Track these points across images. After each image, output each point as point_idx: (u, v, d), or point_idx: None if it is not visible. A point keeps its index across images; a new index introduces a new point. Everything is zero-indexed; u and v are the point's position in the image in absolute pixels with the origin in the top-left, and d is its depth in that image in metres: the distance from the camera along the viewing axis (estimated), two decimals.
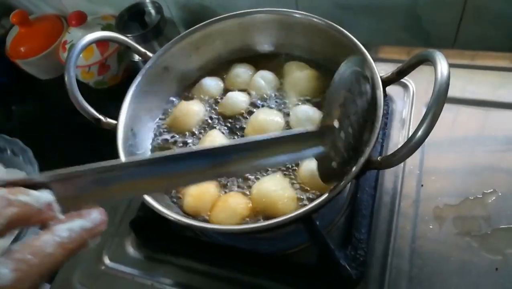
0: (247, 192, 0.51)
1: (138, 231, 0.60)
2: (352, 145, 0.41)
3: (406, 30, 0.74)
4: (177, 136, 0.58)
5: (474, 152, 0.57)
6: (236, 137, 0.56)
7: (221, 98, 0.60)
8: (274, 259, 0.55)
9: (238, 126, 0.57)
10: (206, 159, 0.33)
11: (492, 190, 0.53)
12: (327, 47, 0.56)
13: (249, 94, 0.59)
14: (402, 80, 0.51)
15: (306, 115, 0.53)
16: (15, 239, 0.58)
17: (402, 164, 0.58)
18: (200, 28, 0.60)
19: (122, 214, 0.63)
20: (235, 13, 0.59)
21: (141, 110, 0.56)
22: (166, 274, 0.57)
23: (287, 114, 0.56)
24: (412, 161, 0.57)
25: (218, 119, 0.58)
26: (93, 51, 0.82)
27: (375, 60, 0.48)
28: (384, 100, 0.44)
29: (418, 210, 0.54)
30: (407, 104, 0.64)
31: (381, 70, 0.47)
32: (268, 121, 0.54)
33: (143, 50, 0.59)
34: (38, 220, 0.25)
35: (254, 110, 0.57)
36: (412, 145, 0.36)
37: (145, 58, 0.58)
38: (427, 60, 0.40)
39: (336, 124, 0.39)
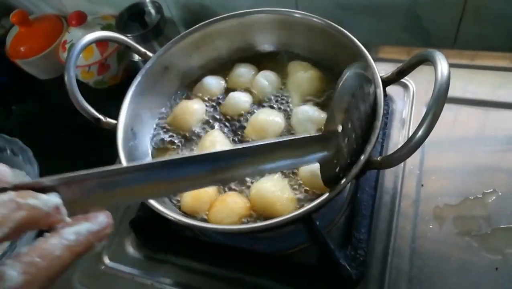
0: (246, 192, 0.51)
1: (138, 231, 0.60)
2: (355, 149, 0.41)
3: (406, 30, 0.74)
4: (178, 136, 0.58)
5: (474, 152, 0.57)
6: (236, 137, 0.56)
7: (223, 98, 0.60)
8: (274, 259, 0.55)
9: (239, 126, 0.57)
10: (208, 164, 0.33)
11: (492, 190, 0.53)
12: (327, 47, 0.56)
13: (251, 94, 0.59)
14: (402, 80, 0.51)
15: (307, 116, 0.53)
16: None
17: (402, 164, 0.58)
18: (200, 28, 0.60)
19: (122, 214, 0.63)
20: (235, 13, 0.59)
21: (141, 109, 0.56)
22: (166, 274, 0.57)
23: (289, 115, 0.56)
24: (412, 161, 0.57)
25: (219, 118, 0.58)
26: (93, 51, 0.82)
27: (375, 60, 0.48)
28: (384, 100, 0.44)
29: (418, 210, 0.54)
30: (407, 104, 0.64)
31: (381, 70, 0.47)
32: (268, 121, 0.54)
33: (143, 50, 0.59)
34: (46, 224, 0.25)
35: (256, 110, 0.57)
36: (412, 145, 0.36)
37: (145, 58, 0.58)
38: (427, 60, 0.40)
39: (339, 129, 0.39)
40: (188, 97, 0.62)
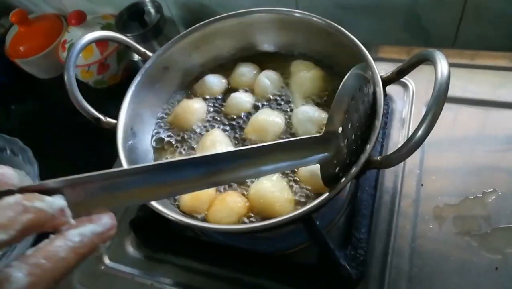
0: (245, 191, 0.51)
1: (138, 231, 0.60)
2: (354, 149, 0.41)
3: (406, 29, 0.74)
4: (178, 135, 0.58)
5: (474, 151, 0.57)
6: (236, 136, 0.56)
7: (223, 97, 0.60)
8: (274, 259, 0.55)
9: (239, 126, 0.56)
10: (207, 166, 0.32)
11: (492, 189, 0.53)
12: (327, 46, 0.56)
13: (253, 93, 0.59)
14: (402, 79, 0.51)
15: (307, 116, 0.53)
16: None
17: (402, 164, 0.58)
18: (200, 27, 0.60)
19: (122, 214, 0.63)
20: (234, 12, 0.59)
21: (141, 109, 0.56)
22: (166, 274, 0.57)
23: (290, 115, 0.56)
24: (412, 160, 0.58)
25: (220, 118, 0.58)
26: (92, 50, 0.82)
27: (375, 59, 0.48)
28: (384, 100, 0.44)
29: (418, 209, 0.54)
30: (407, 104, 0.64)
31: (381, 70, 0.47)
32: (268, 122, 0.54)
33: (142, 49, 0.59)
34: (51, 226, 0.25)
35: (258, 110, 0.57)
36: (412, 145, 0.36)
37: (145, 58, 0.58)
38: (427, 60, 0.40)
39: (339, 130, 0.39)
40: (189, 96, 0.62)
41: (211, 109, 0.59)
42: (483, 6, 0.64)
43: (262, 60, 0.62)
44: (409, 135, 0.37)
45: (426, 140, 0.36)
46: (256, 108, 0.58)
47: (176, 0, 0.85)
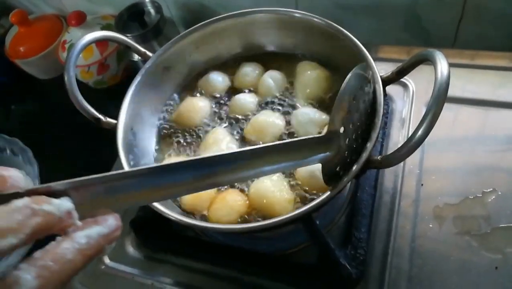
0: (245, 189, 0.51)
1: (138, 231, 0.60)
2: (355, 148, 0.41)
3: (406, 30, 0.74)
4: (180, 134, 0.58)
5: (474, 151, 0.57)
6: (237, 135, 0.56)
7: (225, 96, 0.60)
8: (274, 259, 0.55)
9: (241, 125, 0.57)
10: (209, 168, 0.32)
11: (492, 189, 0.53)
12: (327, 47, 0.56)
13: (257, 93, 0.59)
14: (402, 79, 0.51)
15: (308, 118, 0.53)
16: None
17: (402, 164, 0.58)
18: (200, 27, 0.60)
19: (122, 214, 0.63)
20: (234, 12, 0.59)
21: (141, 109, 0.56)
22: (166, 274, 0.57)
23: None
24: (412, 160, 0.58)
25: (224, 117, 0.58)
26: (92, 50, 0.82)
27: (375, 59, 0.48)
28: (384, 100, 0.44)
29: (418, 209, 0.54)
30: (407, 104, 0.64)
31: (381, 70, 0.47)
32: (268, 123, 0.54)
33: (142, 49, 0.59)
34: (59, 228, 0.25)
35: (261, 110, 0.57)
36: (412, 145, 0.36)
37: (145, 58, 0.58)
38: (427, 60, 0.40)
39: (341, 130, 0.39)
40: (193, 94, 0.62)
41: (215, 108, 0.59)
42: (483, 6, 0.65)
43: (266, 60, 0.62)
44: (409, 135, 0.37)
45: (426, 140, 0.36)
46: (260, 108, 0.58)
47: (176, 0, 0.85)
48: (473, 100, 0.61)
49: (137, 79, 0.56)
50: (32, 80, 0.98)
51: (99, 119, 0.52)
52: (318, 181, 0.44)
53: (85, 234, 0.25)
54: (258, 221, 0.48)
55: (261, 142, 0.54)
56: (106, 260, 0.60)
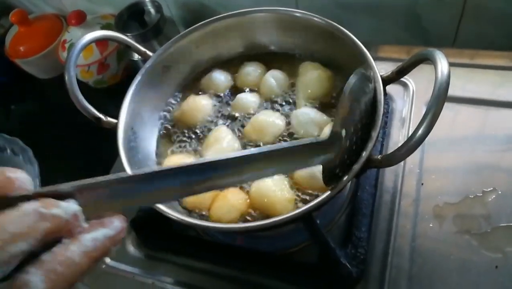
0: (246, 187, 0.51)
1: (139, 230, 0.60)
2: (355, 149, 0.41)
3: (406, 29, 0.74)
4: (179, 134, 0.58)
5: (474, 151, 0.57)
6: (239, 134, 0.56)
7: (227, 94, 0.60)
8: (275, 258, 0.55)
9: (243, 124, 0.57)
10: (215, 170, 0.32)
11: (492, 188, 0.53)
12: (328, 46, 0.56)
13: (259, 93, 0.59)
14: (402, 79, 0.51)
15: (308, 118, 0.53)
16: None
17: (402, 163, 0.58)
18: (200, 27, 0.60)
19: (123, 213, 0.63)
20: (235, 12, 0.59)
21: (142, 108, 0.56)
22: (166, 273, 0.57)
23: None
24: (412, 159, 0.58)
25: (226, 115, 0.58)
26: (92, 50, 0.82)
27: (375, 59, 0.48)
28: (384, 99, 0.44)
29: (418, 208, 0.54)
30: (407, 103, 0.64)
31: (381, 69, 0.47)
32: (268, 122, 0.54)
33: (143, 49, 0.59)
34: (66, 231, 0.25)
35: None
36: (412, 144, 0.36)
37: (145, 57, 0.58)
38: (427, 59, 0.40)
39: (343, 133, 0.39)
40: (194, 93, 0.62)
41: (217, 106, 0.60)
42: (483, 5, 0.65)
43: (268, 60, 0.62)
44: (409, 134, 0.37)
45: (426, 139, 0.36)
46: (262, 108, 0.58)
47: None
48: (473, 99, 0.61)
49: (138, 78, 0.56)
50: (32, 79, 0.98)
51: (99, 118, 0.52)
52: (318, 181, 0.44)
53: (92, 237, 0.25)
54: (259, 220, 0.48)
55: (261, 142, 0.54)
56: (107, 259, 0.60)
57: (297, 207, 0.43)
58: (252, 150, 0.33)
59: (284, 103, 0.58)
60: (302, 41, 0.59)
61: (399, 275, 0.50)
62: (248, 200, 0.50)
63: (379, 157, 0.41)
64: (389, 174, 0.58)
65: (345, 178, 0.41)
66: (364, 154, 0.41)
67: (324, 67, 0.58)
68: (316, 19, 0.55)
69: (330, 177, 0.42)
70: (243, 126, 0.57)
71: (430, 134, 0.36)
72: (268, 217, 0.46)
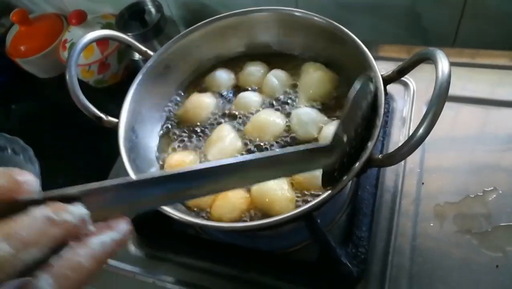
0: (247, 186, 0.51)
1: (139, 230, 0.60)
2: (354, 150, 0.42)
3: (406, 28, 0.74)
4: (180, 133, 0.58)
5: (474, 150, 0.57)
6: (241, 132, 0.56)
7: (229, 93, 0.61)
8: (275, 257, 0.55)
9: (245, 123, 0.57)
10: (216, 175, 0.32)
11: (492, 188, 0.53)
12: (329, 46, 0.56)
13: (261, 92, 0.59)
14: (402, 78, 0.51)
15: (308, 118, 0.53)
16: None
17: (402, 162, 0.58)
18: (200, 26, 0.60)
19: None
20: (235, 11, 0.59)
21: (142, 108, 0.56)
22: (167, 272, 0.57)
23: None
24: (412, 159, 0.58)
25: (228, 114, 0.58)
26: (93, 50, 0.82)
27: (375, 58, 0.48)
28: (385, 99, 0.44)
29: (418, 208, 0.54)
30: (407, 103, 0.64)
31: (382, 69, 0.47)
32: (268, 121, 0.54)
33: (144, 48, 0.59)
34: (75, 236, 0.25)
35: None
36: (413, 143, 0.37)
37: (146, 57, 0.58)
38: (428, 59, 0.40)
39: (345, 138, 0.39)
40: (200, 90, 0.62)
41: (220, 105, 0.60)
42: (483, 5, 0.65)
43: (271, 60, 0.62)
44: (410, 134, 0.37)
45: (426, 138, 0.36)
46: (264, 107, 0.58)
47: None
48: (473, 99, 0.61)
49: (139, 77, 0.56)
50: (33, 79, 0.98)
51: (100, 117, 0.52)
52: (319, 181, 0.44)
53: (100, 241, 0.25)
54: (260, 219, 0.48)
55: (261, 141, 0.54)
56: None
57: (298, 207, 0.43)
58: (256, 155, 0.33)
59: (285, 103, 0.58)
60: (303, 40, 0.59)
61: (400, 274, 0.50)
62: (249, 199, 0.50)
63: (380, 156, 0.41)
64: (389, 173, 0.58)
65: (346, 177, 0.41)
66: (365, 154, 0.41)
67: (326, 68, 0.58)
68: (316, 18, 0.55)
69: (329, 179, 0.42)
70: (244, 124, 0.57)
71: (430, 133, 0.36)
72: (268, 216, 0.47)
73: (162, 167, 0.56)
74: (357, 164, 0.41)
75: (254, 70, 0.61)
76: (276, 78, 0.59)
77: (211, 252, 0.56)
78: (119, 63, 0.87)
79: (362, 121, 0.42)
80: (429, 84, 0.63)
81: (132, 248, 0.61)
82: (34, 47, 0.90)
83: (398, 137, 0.61)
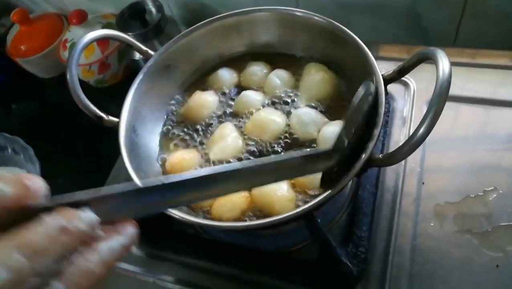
0: None
1: (140, 229, 0.60)
2: (354, 151, 0.42)
3: (407, 28, 0.74)
4: (181, 131, 0.58)
5: (474, 150, 0.57)
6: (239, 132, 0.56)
7: (234, 92, 0.61)
8: (275, 256, 0.55)
9: (246, 121, 0.57)
10: (216, 182, 0.33)
11: (492, 187, 0.53)
12: (329, 45, 0.56)
13: (263, 92, 0.59)
14: (403, 78, 0.51)
15: (307, 118, 0.53)
16: None
17: (403, 162, 0.58)
18: (200, 26, 0.60)
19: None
20: (235, 11, 0.59)
21: (143, 107, 0.56)
22: (167, 272, 0.57)
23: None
24: (413, 159, 0.58)
25: (230, 112, 0.58)
26: (93, 49, 0.82)
27: (375, 58, 0.48)
28: (385, 98, 0.44)
29: (419, 208, 0.54)
30: (408, 103, 0.64)
31: (382, 69, 0.47)
32: (268, 120, 0.54)
33: (144, 48, 0.59)
34: (84, 242, 0.25)
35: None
36: (413, 143, 0.37)
37: (147, 56, 0.58)
38: (429, 58, 0.40)
39: (346, 143, 0.39)
40: (203, 88, 0.62)
41: (222, 103, 0.60)
42: (483, 4, 0.65)
43: (273, 60, 0.62)
44: (410, 133, 0.37)
45: (427, 138, 0.36)
46: (265, 106, 0.58)
47: None
48: (473, 98, 0.61)
49: (139, 77, 0.56)
50: (33, 79, 0.98)
51: (101, 117, 0.52)
52: (319, 181, 0.44)
53: (108, 246, 0.25)
54: (260, 218, 0.48)
55: (261, 141, 0.54)
56: None
57: (298, 206, 0.43)
58: (258, 161, 0.34)
59: (286, 103, 0.58)
60: (303, 40, 0.59)
61: (400, 274, 0.50)
62: (249, 199, 0.50)
63: (380, 156, 0.41)
64: (390, 173, 0.58)
65: (346, 177, 0.41)
66: (365, 153, 0.41)
67: (328, 69, 0.58)
68: (316, 18, 0.55)
69: (327, 180, 0.42)
70: (244, 123, 0.57)
71: (431, 133, 0.36)
72: (268, 215, 0.47)
73: (163, 166, 0.56)
74: (357, 164, 0.41)
75: (256, 69, 0.61)
76: (279, 78, 0.59)
77: (211, 251, 0.56)
78: (119, 63, 0.87)
79: (363, 121, 0.42)
80: (429, 84, 0.63)
81: (133, 248, 0.61)
82: (34, 47, 0.90)
83: (398, 136, 0.61)
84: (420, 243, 0.51)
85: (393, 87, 0.65)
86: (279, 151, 0.53)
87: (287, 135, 0.54)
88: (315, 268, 0.51)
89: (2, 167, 0.77)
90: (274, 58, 0.62)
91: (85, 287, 0.24)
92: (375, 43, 0.71)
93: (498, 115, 0.59)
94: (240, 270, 0.55)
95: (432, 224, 0.52)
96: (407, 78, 0.65)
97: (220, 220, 0.48)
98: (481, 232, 0.50)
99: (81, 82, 0.54)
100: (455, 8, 0.67)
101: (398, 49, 0.71)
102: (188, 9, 0.87)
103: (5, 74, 1.00)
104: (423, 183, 0.56)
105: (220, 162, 0.54)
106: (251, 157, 0.53)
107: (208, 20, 0.60)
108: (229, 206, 0.48)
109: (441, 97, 0.36)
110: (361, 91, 0.40)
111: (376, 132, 0.42)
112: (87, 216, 0.25)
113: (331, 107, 0.56)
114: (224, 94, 0.61)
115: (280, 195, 0.48)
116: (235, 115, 0.58)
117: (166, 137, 0.59)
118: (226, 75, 0.62)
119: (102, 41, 0.83)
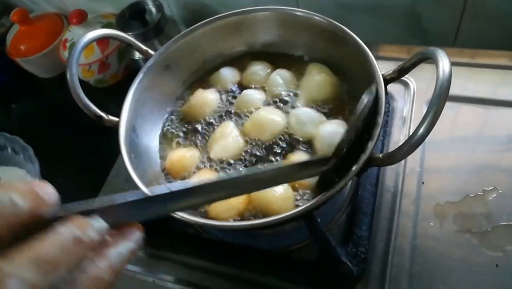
0: None
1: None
2: (354, 152, 0.42)
3: (406, 29, 0.74)
4: (181, 130, 0.58)
5: (474, 150, 0.57)
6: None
7: (235, 91, 0.61)
8: (275, 256, 0.55)
9: (246, 120, 0.57)
10: (217, 191, 0.33)
11: (492, 187, 0.53)
12: (329, 46, 0.56)
13: (265, 91, 0.60)
14: (403, 78, 0.51)
15: (306, 117, 0.53)
16: None
17: (403, 162, 0.58)
18: (200, 26, 0.60)
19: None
20: (235, 11, 0.60)
21: (143, 107, 0.56)
22: (167, 271, 0.57)
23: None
24: (413, 158, 0.58)
25: (231, 111, 0.58)
26: (93, 49, 0.82)
27: (375, 58, 0.48)
28: (385, 98, 0.44)
29: (419, 207, 0.54)
30: (408, 102, 0.64)
31: (382, 69, 0.47)
32: (268, 119, 0.54)
33: (144, 47, 0.59)
34: (94, 249, 0.25)
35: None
36: (414, 142, 0.37)
37: (147, 56, 0.59)
38: (429, 58, 0.40)
39: (345, 149, 0.40)
40: (205, 87, 0.62)
41: (224, 102, 0.60)
42: (483, 5, 0.65)
43: (275, 60, 0.62)
44: (410, 133, 0.37)
45: (427, 138, 0.36)
46: (266, 105, 0.58)
47: None
48: (473, 98, 0.62)
49: (139, 76, 0.56)
50: (33, 78, 0.98)
51: (101, 117, 0.52)
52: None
53: (117, 252, 0.25)
54: (258, 218, 0.48)
55: (260, 140, 0.54)
56: None
57: (298, 206, 0.43)
58: (257, 170, 0.35)
59: (286, 102, 0.58)
60: (303, 40, 0.59)
61: (400, 274, 0.50)
62: (247, 199, 0.49)
63: (380, 155, 0.41)
64: (390, 173, 0.58)
65: (346, 177, 0.41)
66: (365, 153, 0.41)
67: (330, 70, 0.58)
68: (317, 18, 0.55)
69: (325, 183, 0.42)
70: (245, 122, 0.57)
71: (431, 133, 0.36)
72: (266, 215, 0.47)
73: (163, 165, 0.56)
74: (357, 164, 0.41)
75: (258, 69, 0.61)
76: (281, 77, 0.59)
77: (211, 251, 0.56)
78: (119, 63, 0.87)
79: (363, 123, 0.42)
80: (429, 84, 0.63)
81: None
82: (34, 47, 0.90)
83: (398, 136, 0.61)
84: (420, 243, 0.51)
85: (393, 87, 0.65)
86: (279, 151, 0.53)
87: (286, 134, 0.54)
88: (315, 268, 0.51)
89: (2, 167, 0.77)
90: (274, 58, 0.63)
91: None
92: (375, 43, 0.71)
93: (498, 115, 0.59)
94: (240, 269, 0.55)
95: (432, 224, 0.53)
96: (407, 78, 0.65)
97: (217, 220, 0.48)
98: (481, 232, 0.50)
99: (81, 81, 0.54)
100: (455, 8, 0.67)
101: (398, 49, 0.71)
102: (188, 9, 0.87)
103: (5, 74, 1.00)
104: (423, 183, 0.56)
105: (220, 161, 0.54)
106: (251, 157, 0.53)
107: (208, 20, 0.60)
108: (225, 206, 0.48)
109: (441, 97, 0.36)
110: (364, 98, 0.40)
111: (376, 132, 0.42)
112: (99, 225, 0.25)
113: (330, 107, 0.56)
114: (226, 92, 0.61)
115: (278, 194, 0.48)
116: (236, 113, 0.58)
117: (166, 137, 0.59)
118: (228, 74, 0.62)
119: (102, 41, 0.83)
